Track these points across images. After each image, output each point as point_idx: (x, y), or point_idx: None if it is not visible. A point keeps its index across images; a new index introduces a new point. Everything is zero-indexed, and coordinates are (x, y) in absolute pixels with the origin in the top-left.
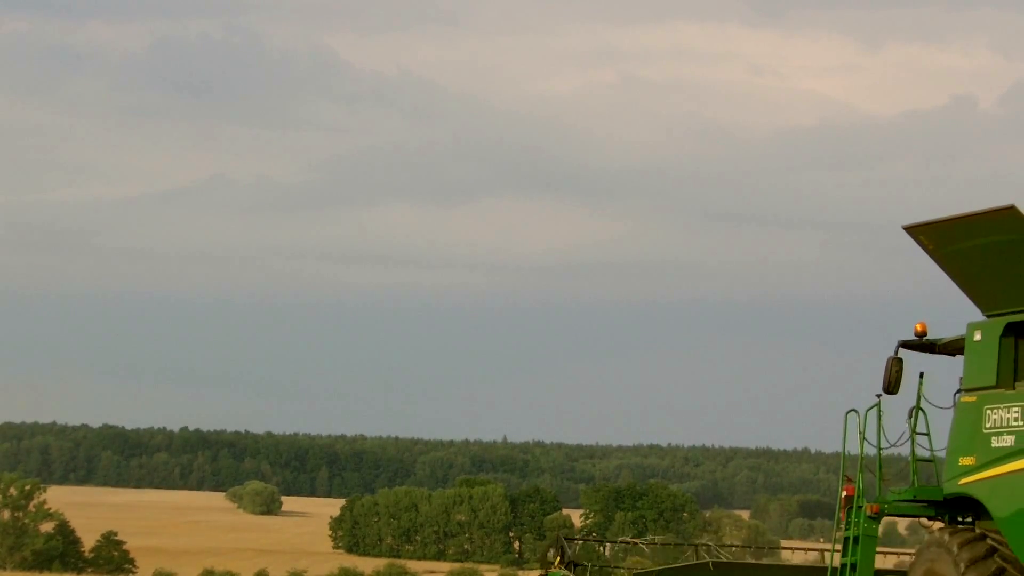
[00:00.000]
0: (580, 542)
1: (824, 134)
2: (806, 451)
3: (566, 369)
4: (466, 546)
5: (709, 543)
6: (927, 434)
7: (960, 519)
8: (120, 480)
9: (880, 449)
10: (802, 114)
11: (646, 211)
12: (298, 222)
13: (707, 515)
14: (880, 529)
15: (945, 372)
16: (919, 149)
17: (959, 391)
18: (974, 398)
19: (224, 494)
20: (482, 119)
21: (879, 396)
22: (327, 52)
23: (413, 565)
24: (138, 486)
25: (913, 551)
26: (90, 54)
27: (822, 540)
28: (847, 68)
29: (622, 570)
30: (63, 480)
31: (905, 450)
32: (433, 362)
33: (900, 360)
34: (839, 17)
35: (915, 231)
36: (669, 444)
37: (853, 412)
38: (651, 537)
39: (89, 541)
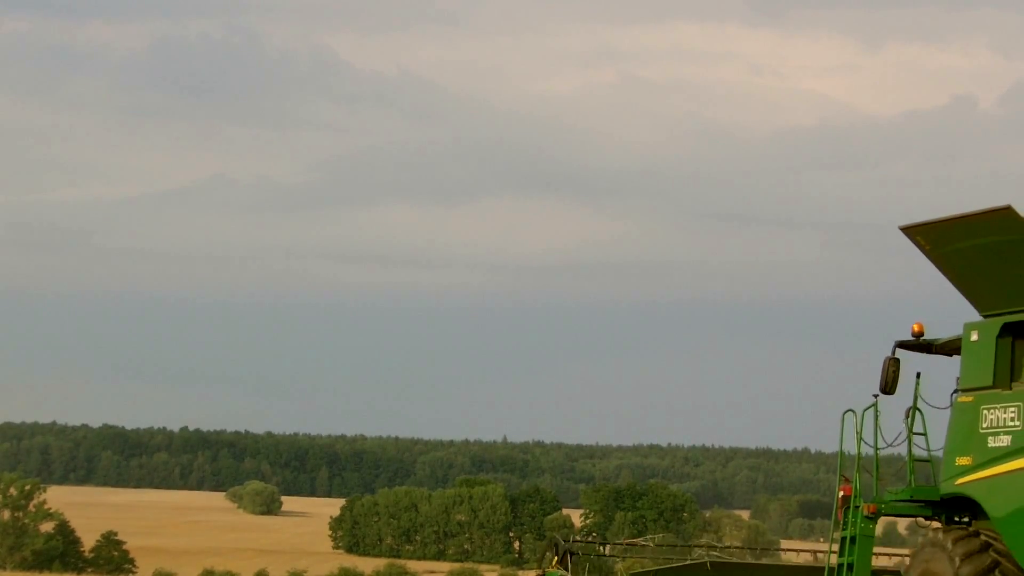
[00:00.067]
0: (580, 543)
1: (824, 134)
2: (806, 451)
3: (566, 369)
4: (466, 546)
5: (704, 544)
6: (924, 434)
7: (957, 519)
8: (120, 480)
9: (877, 449)
10: (802, 114)
11: (646, 211)
12: (298, 222)
13: (707, 515)
14: (880, 529)
15: (942, 372)
16: (919, 149)
17: (956, 391)
18: (971, 398)
19: (224, 494)
20: (482, 119)
21: (876, 396)
22: (327, 52)
23: (413, 565)
24: (138, 486)
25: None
26: (90, 54)
27: (822, 540)
28: (847, 68)
29: (620, 569)
30: (63, 480)
31: (902, 450)
32: (433, 362)
33: (897, 360)
34: (839, 17)
35: (912, 232)
36: (669, 444)
37: (850, 412)
38: (651, 538)
39: (89, 541)
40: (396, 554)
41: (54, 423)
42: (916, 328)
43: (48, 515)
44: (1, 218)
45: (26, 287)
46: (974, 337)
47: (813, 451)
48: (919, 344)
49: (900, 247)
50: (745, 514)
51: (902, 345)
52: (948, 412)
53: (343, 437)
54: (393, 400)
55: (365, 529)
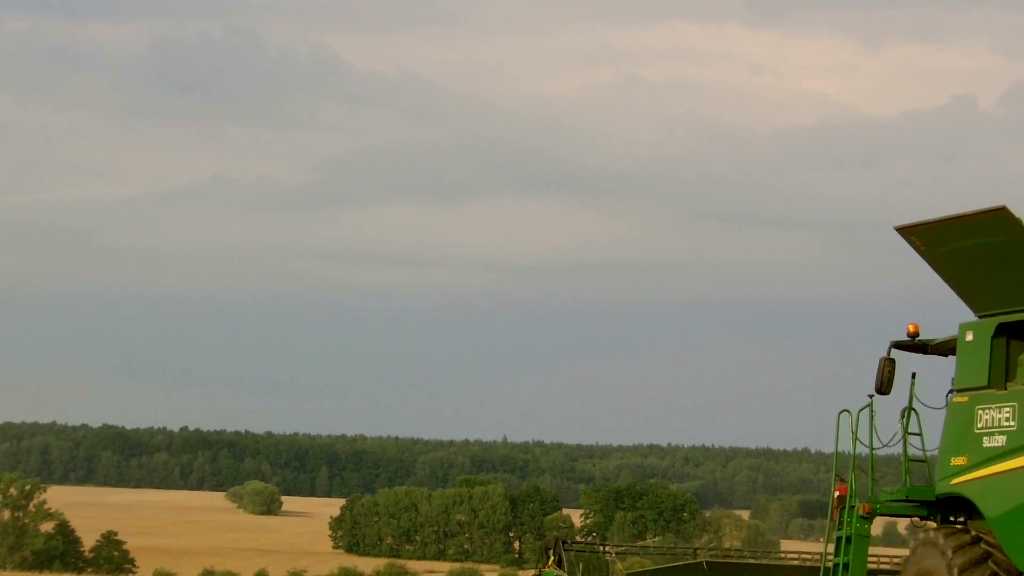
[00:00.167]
0: (580, 543)
1: (824, 134)
2: (806, 451)
3: (566, 369)
4: (466, 546)
5: (703, 544)
6: (919, 434)
7: (952, 519)
8: (120, 480)
9: (872, 449)
10: (802, 114)
11: (646, 211)
12: (298, 222)
13: (707, 515)
14: (880, 530)
15: (937, 372)
16: (919, 149)
17: (951, 391)
18: (966, 398)
19: (224, 494)
20: (482, 119)
21: (871, 396)
22: (327, 52)
23: (413, 565)
24: (138, 486)
25: None
26: (90, 54)
27: (821, 540)
28: (847, 68)
29: (619, 569)
30: (63, 480)
31: (898, 450)
32: (433, 362)
33: (893, 360)
34: (839, 17)
35: (907, 232)
36: (669, 444)
37: (846, 412)
38: (645, 544)
39: (89, 541)
40: (396, 554)
41: (54, 423)
42: (911, 328)
43: (48, 515)
44: (1, 218)
45: (26, 287)
46: (969, 337)
47: (813, 451)
48: (914, 344)
49: (900, 247)
50: (745, 514)
51: (898, 345)
52: (943, 412)
53: (343, 437)
54: (393, 400)
55: (365, 529)
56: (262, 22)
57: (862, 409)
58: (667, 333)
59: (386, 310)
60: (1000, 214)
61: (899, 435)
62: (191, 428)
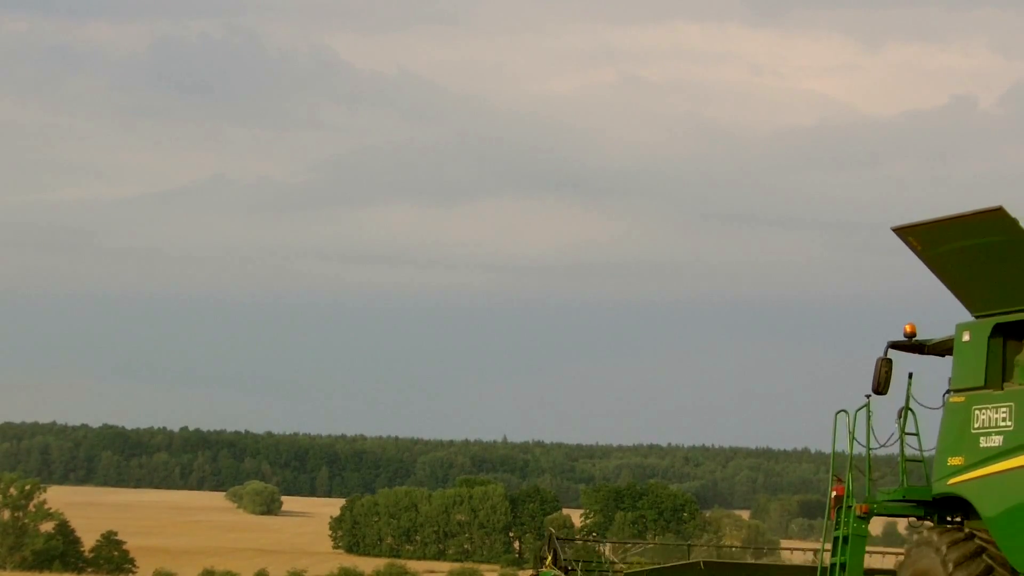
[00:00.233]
0: (579, 542)
1: (824, 134)
2: (806, 451)
3: (566, 369)
4: (466, 546)
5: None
6: (916, 434)
7: (949, 519)
8: (120, 480)
9: (870, 449)
10: (802, 114)
11: (646, 211)
12: (298, 222)
13: (707, 515)
14: (880, 530)
15: (934, 373)
16: (919, 149)
17: (948, 392)
18: (963, 398)
19: (224, 494)
20: (482, 119)
21: (868, 396)
22: (327, 52)
23: (413, 565)
24: (138, 486)
25: None
26: (90, 54)
27: (819, 540)
28: (847, 68)
29: (617, 568)
30: (63, 480)
31: (895, 450)
32: (433, 362)
33: (890, 361)
34: (839, 17)
35: (904, 232)
36: (669, 444)
37: (843, 412)
38: (642, 546)
39: (89, 541)
40: (396, 554)
41: (54, 423)
42: (908, 328)
43: (48, 515)
44: (1, 218)
45: (26, 287)
46: (966, 338)
47: (813, 451)
48: (911, 344)
49: (899, 247)
50: (745, 514)
51: (894, 345)
52: (940, 412)
53: (343, 437)
54: (393, 400)
55: (365, 529)
56: (262, 22)
57: (859, 409)
58: (667, 333)
59: (386, 310)
60: (997, 214)
61: (896, 435)
62: (191, 428)
